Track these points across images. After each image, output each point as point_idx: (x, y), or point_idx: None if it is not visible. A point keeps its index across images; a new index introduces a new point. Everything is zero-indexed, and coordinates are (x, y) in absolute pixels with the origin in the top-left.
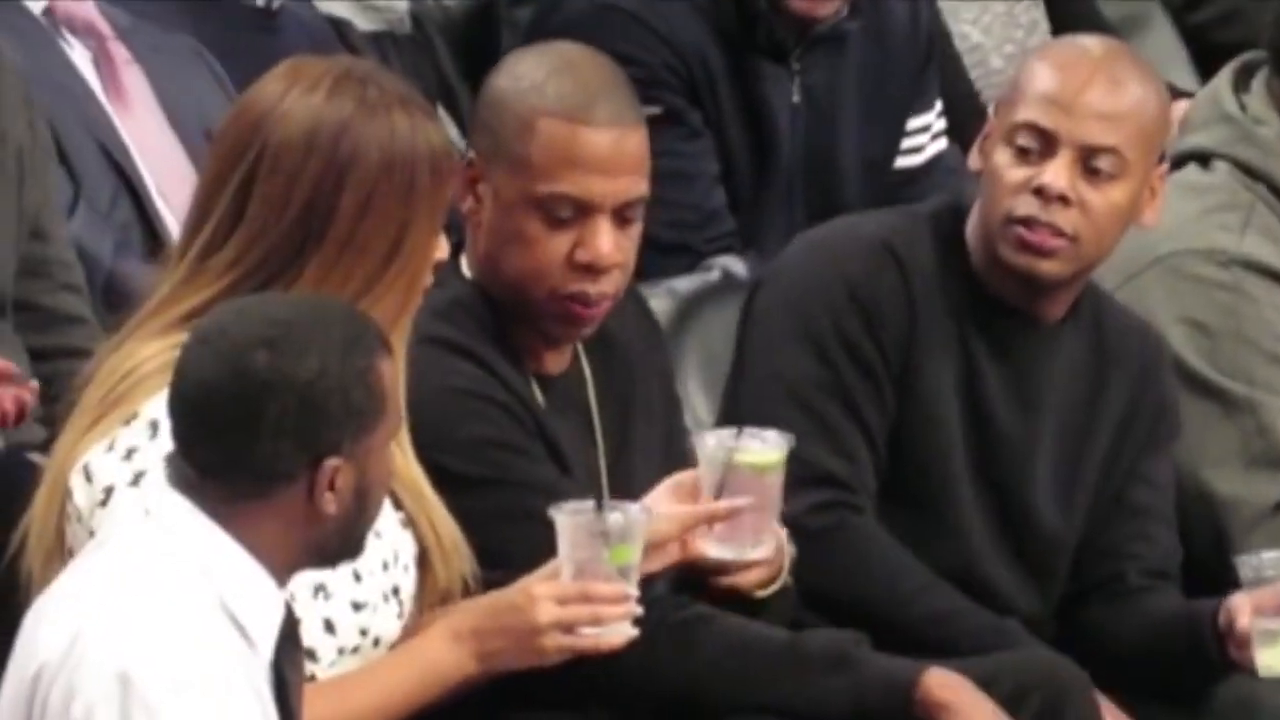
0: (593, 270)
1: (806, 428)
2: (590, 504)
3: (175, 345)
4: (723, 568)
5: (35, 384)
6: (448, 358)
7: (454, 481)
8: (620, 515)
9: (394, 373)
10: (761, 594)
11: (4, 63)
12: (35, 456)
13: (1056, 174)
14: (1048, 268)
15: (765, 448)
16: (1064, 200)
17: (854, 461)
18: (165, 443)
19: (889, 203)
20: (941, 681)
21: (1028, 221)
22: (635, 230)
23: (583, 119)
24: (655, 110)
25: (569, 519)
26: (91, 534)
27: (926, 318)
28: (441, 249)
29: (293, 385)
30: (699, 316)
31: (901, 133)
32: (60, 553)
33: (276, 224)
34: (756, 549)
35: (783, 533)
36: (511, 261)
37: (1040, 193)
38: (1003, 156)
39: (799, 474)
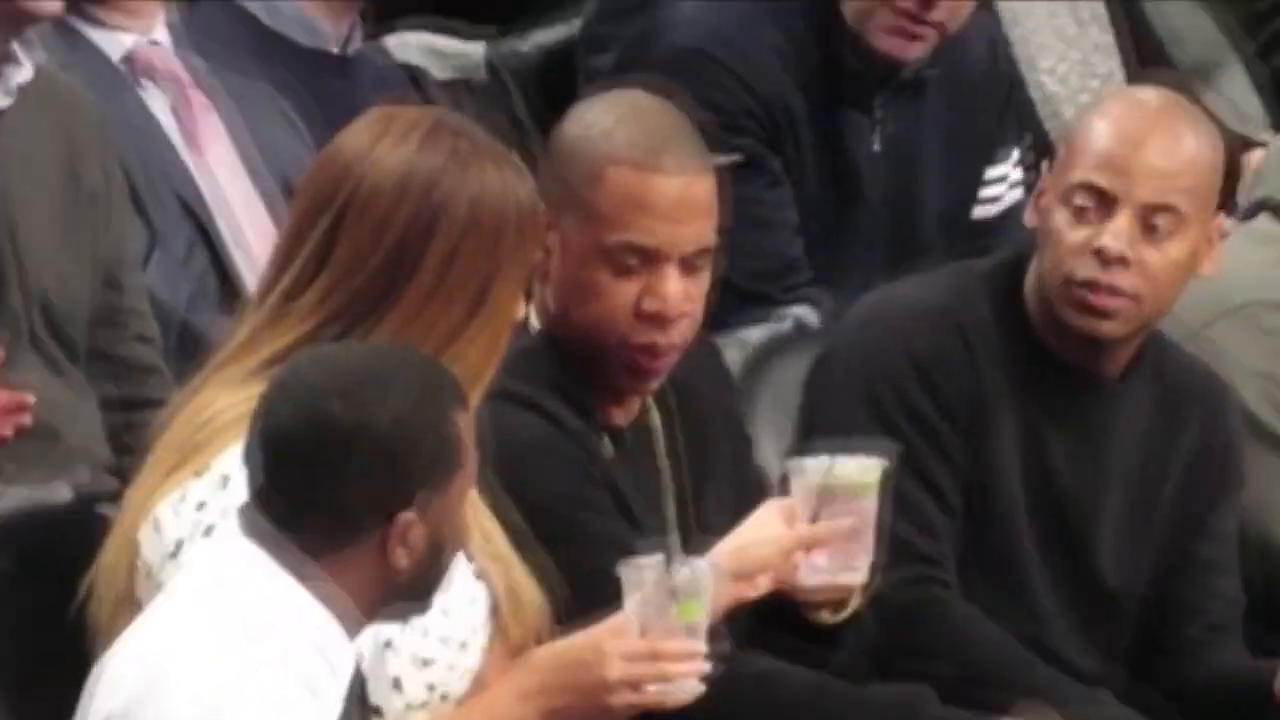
0: (660, 320)
1: (888, 506)
2: (658, 559)
3: (253, 397)
4: (815, 594)
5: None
6: (515, 412)
7: (522, 540)
8: (689, 571)
9: (470, 425)
10: (833, 619)
11: (82, 104)
12: (105, 508)
13: (1116, 236)
14: (1109, 328)
15: (862, 468)
16: (1123, 261)
17: (935, 536)
18: (235, 496)
19: (966, 253)
20: None
21: (1089, 284)
22: (703, 279)
23: (651, 166)
24: (735, 156)
25: (637, 574)
26: (161, 588)
27: (989, 381)
28: (524, 308)
29: (368, 435)
30: (769, 366)
31: (980, 182)
32: (129, 606)
33: (362, 270)
34: (853, 574)
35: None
36: (580, 312)
37: (1100, 254)
38: (1061, 217)
39: (882, 552)
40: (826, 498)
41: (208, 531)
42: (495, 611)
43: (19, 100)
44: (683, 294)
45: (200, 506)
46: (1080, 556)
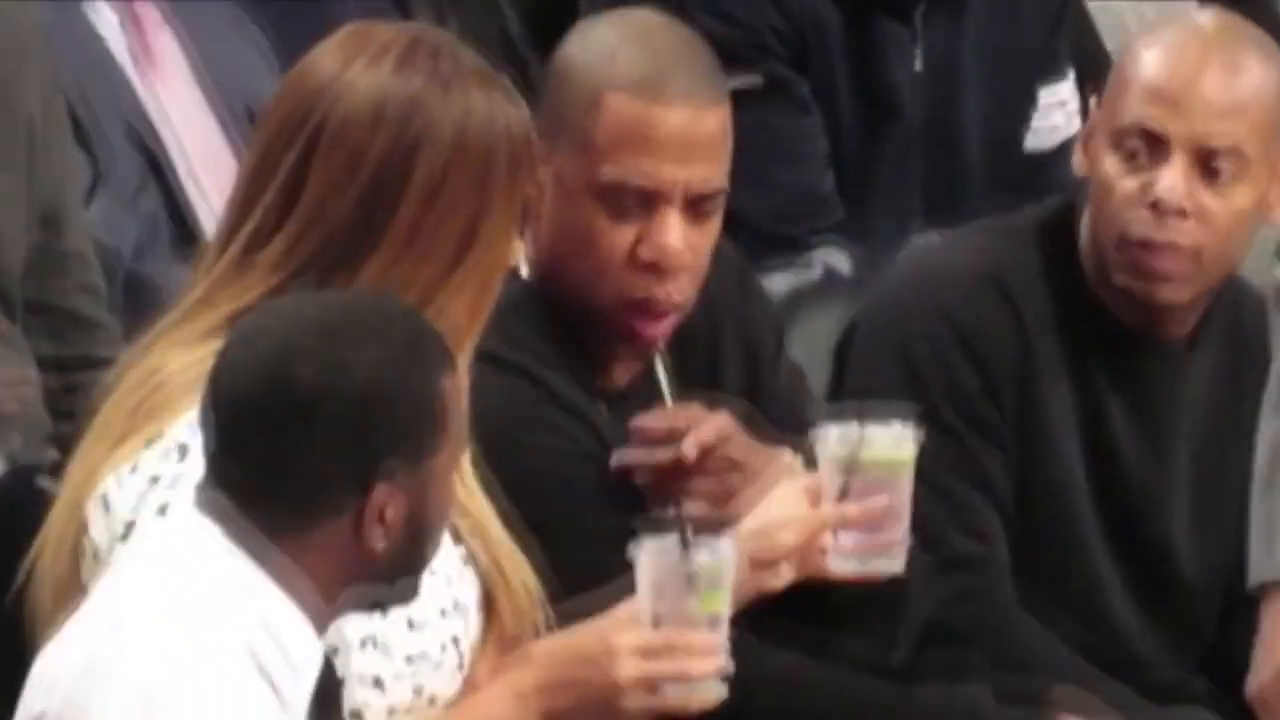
0: (657, 271)
1: (929, 507)
2: (674, 540)
3: (212, 355)
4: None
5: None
6: (494, 375)
7: (510, 523)
8: (710, 554)
9: (457, 388)
10: None
11: (15, 20)
12: (45, 482)
13: (1172, 184)
14: (1168, 293)
15: (897, 439)
16: (1181, 213)
17: (986, 538)
18: (196, 469)
19: (1017, 190)
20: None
21: (1144, 244)
22: (711, 227)
23: (654, 95)
24: (756, 80)
25: (652, 559)
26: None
27: (1042, 352)
28: (517, 252)
29: (341, 398)
30: (797, 319)
31: (1031, 103)
32: (73, 592)
33: (334, 212)
34: (888, 560)
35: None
36: (570, 258)
37: (1155, 206)
38: (1110, 163)
39: (927, 559)
40: (856, 473)
41: (162, 510)
42: (487, 602)
43: None
44: (685, 243)
45: (153, 480)
46: (1152, 541)
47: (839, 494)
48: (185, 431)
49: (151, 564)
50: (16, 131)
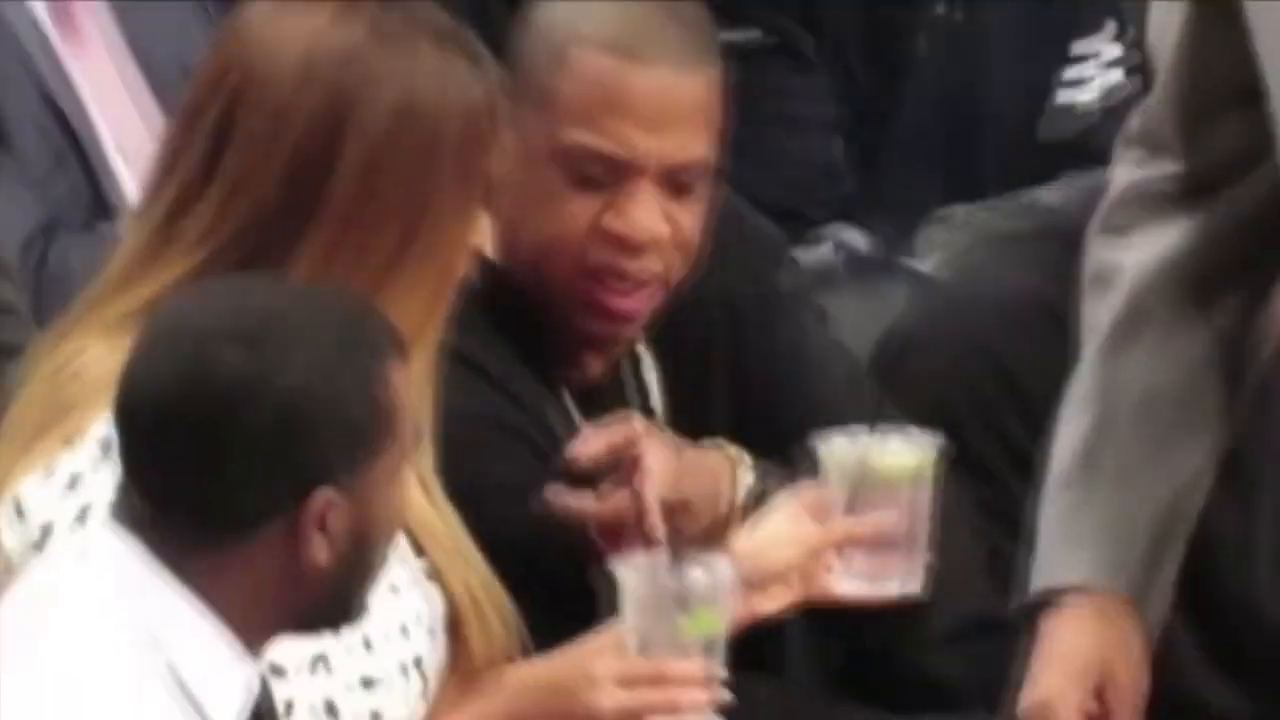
0: (627, 245)
1: (969, 559)
2: (662, 557)
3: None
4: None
5: None
6: (446, 370)
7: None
8: (702, 571)
9: (406, 381)
10: None
11: None
12: None
13: None
14: None
15: (913, 448)
16: None
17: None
18: (117, 469)
19: (1045, 153)
20: None
21: None
22: (694, 203)
23: (627, 53)
24: (755, 35)
25: (636, 576)
26: None
27: None
28: (485, 235)
29: (273, 394)
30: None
31: (1064, 57)
32: None
33: (260, 178)
34: (902, 582)
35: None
36: (531, 230)
37: None
38: None
39: (958, 619)
40: (866, 486)
41: (83, 514)
42: (454, 621)
43: None
44: (658, 216)
45: (73, 482)
46: (1232, 595)
47: (846, 508)
48: (107, 427)
49: (61, 581)
50: None
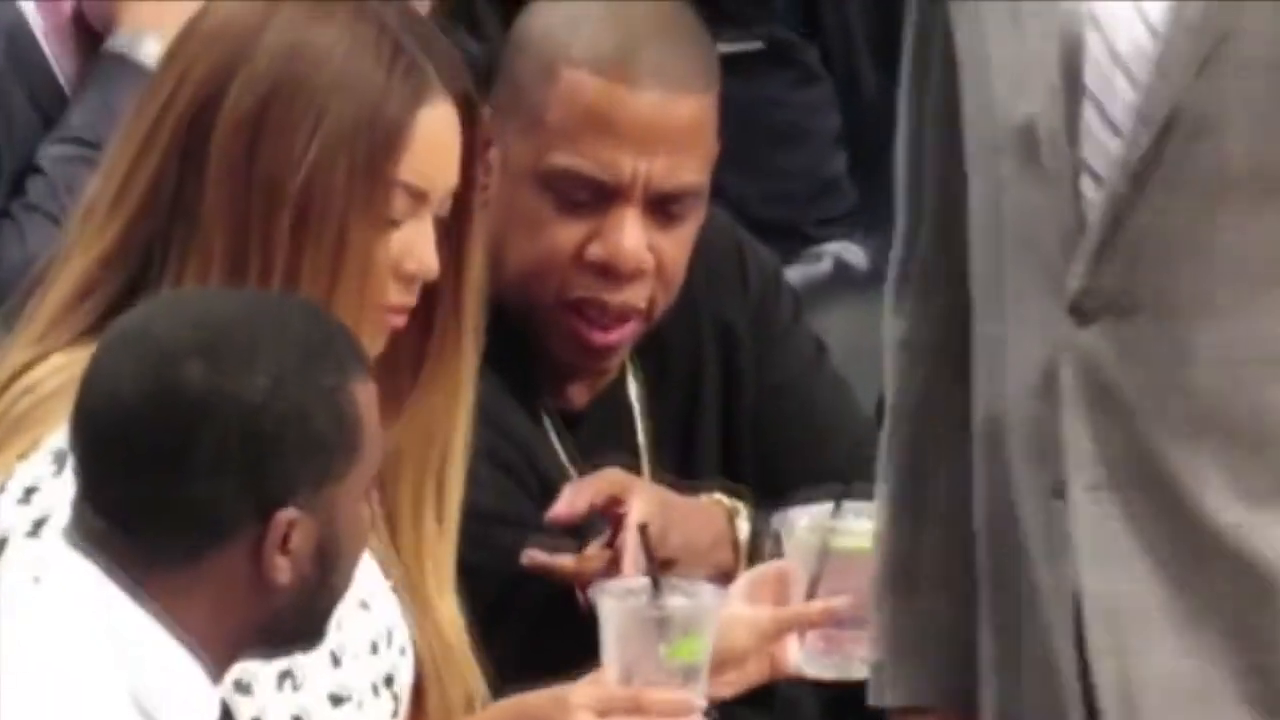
0: (610, 274)
1: None
2: (642, 582)
3: (78, 359)
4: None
5: None
6: None
7: None
8: (684, 598)
9: (372, 398)
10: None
11: None
12: None
13: None
14: None
15: (871, 528)
16: None
17: None
18: (72, 481)
19: None
20: None
21: None
22: (684, 232)
23: (617, 73)
24: (755, 45)
25: (616, 603)
26: None
27: None
28: (421, 261)
29: (235, 405)
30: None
31: None
32: None
33: (153, 139)
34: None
35: None
36: (513, 254)
37: None
38: None
39: None
40: (829, 565)
41: (38, 527)
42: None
43: None
44: (643, 244)
45: (28, 494)
46: None
47: (808, 587)
48: (62, 439)
49: (17, 605)
50: None
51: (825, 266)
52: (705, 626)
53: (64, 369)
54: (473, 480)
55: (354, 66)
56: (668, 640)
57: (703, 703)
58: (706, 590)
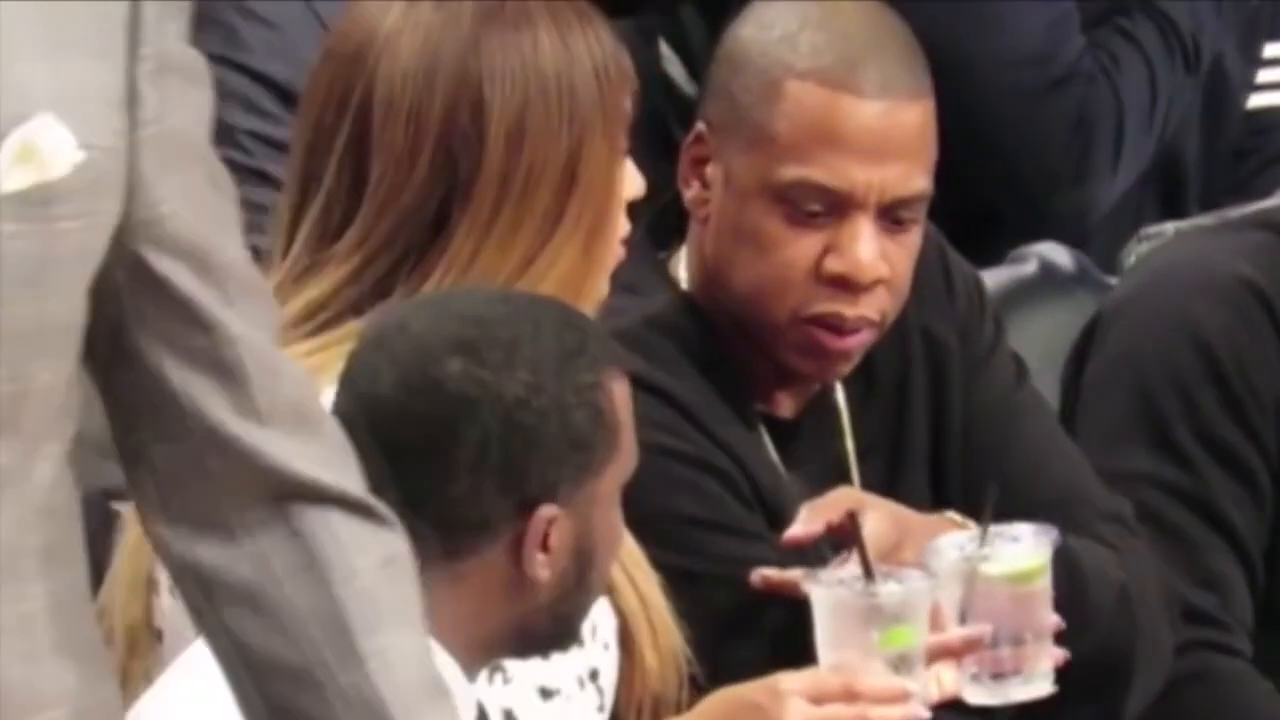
0: (848, 286)
1: (1158, 548)
2: (854, 571)
3: (296, 357)
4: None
5: None
6: (638, 401)
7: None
8: (897, 585)
9: (625, 394)
10: None
11: None
12: (122, 506)
13: None
14: None
15: (1022, 552)
16: None
17: (1223, 590)
18: None
19: (1238, 157)
20: None
21: None
22: (912, 239)
23: (844, 83)
24: None
25: (828, 592)
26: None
27: None
28: (636, 183)
29: (497, 403)
30: (1011, 321)
31: (1255, 61)
32: (146, 640)
33: (408, 185)
34: (1027, 686)
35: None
36: (742, 271)
37: None
38: None
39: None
40: (980, 593)
41: None
42: (625, 634)
43: None
44: (878, 253)
45: None
46: None
47: (959, 613)
48: None
49: None
50: None
51: (1031, 268)
52: (918, 614)
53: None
54: (686, 486)
55: (570, 37)
56: (880, 628)
57: (916, 688)
58: (918, 577)
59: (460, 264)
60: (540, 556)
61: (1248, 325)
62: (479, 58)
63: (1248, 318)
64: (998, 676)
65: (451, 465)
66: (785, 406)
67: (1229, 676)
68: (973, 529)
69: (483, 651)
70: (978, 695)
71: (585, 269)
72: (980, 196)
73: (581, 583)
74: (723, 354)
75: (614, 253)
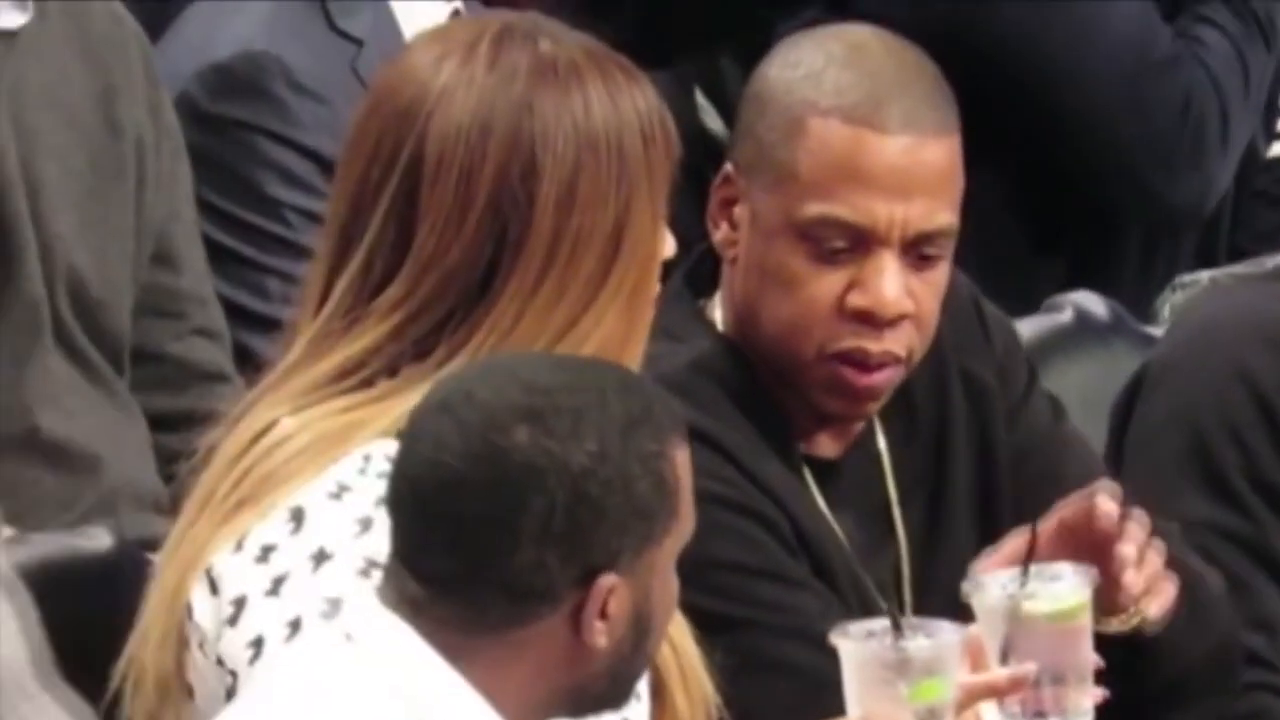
0: (870, 320)
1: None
2: (883, 624)
3: (331, 413)
4: None
5: None
6: None
7: (685, 616)
8: (926, 639)
9: (686, 460)
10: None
11: (124, 24)
12: (158, 558)
13: None
14: None
15: (1063, 590)
16: None
17: (1275, 632)
18: (313, 538)
19: (1264, 201)
20: None
21: None
22: (938, 275)
23: (868, 120)
24: None
25: (856, 646)
26: (220, 664)
27: None
28: (670, 243)
29: (564, 474)
30: (1047, 369)
31: (1275, 111)
32: (176, 693)
33: (454, 243)
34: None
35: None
36: (770, 308)
37: None
38: None
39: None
40: (1020, 631)
41: (277, 585)
42: (658, 685)
43: (38, 18)
44: (902, 289)
45: (265, 553)
46: None
47: (1000, 653)
48: (305, 496)
49: (318, 667)
50: (126, 152)
51: (1067, 316)
52: (947, 666)
53: (308, 427)
54: (729, 532)
55: (619, 96)
56: (909, 681)
57: None
58: (947, 629)
59: (504, 326)
60: (599, 624)
61: None
62: (533, 118)
63: None
64: (1039, 715)
65: (516, 534)
66: (828, 447)
67: None
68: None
69: (537, 715)
70: None
71: (626, 331)
72: (1104, 197)
73: (638, 648)
74: (764, 396)
75: (651, 314)
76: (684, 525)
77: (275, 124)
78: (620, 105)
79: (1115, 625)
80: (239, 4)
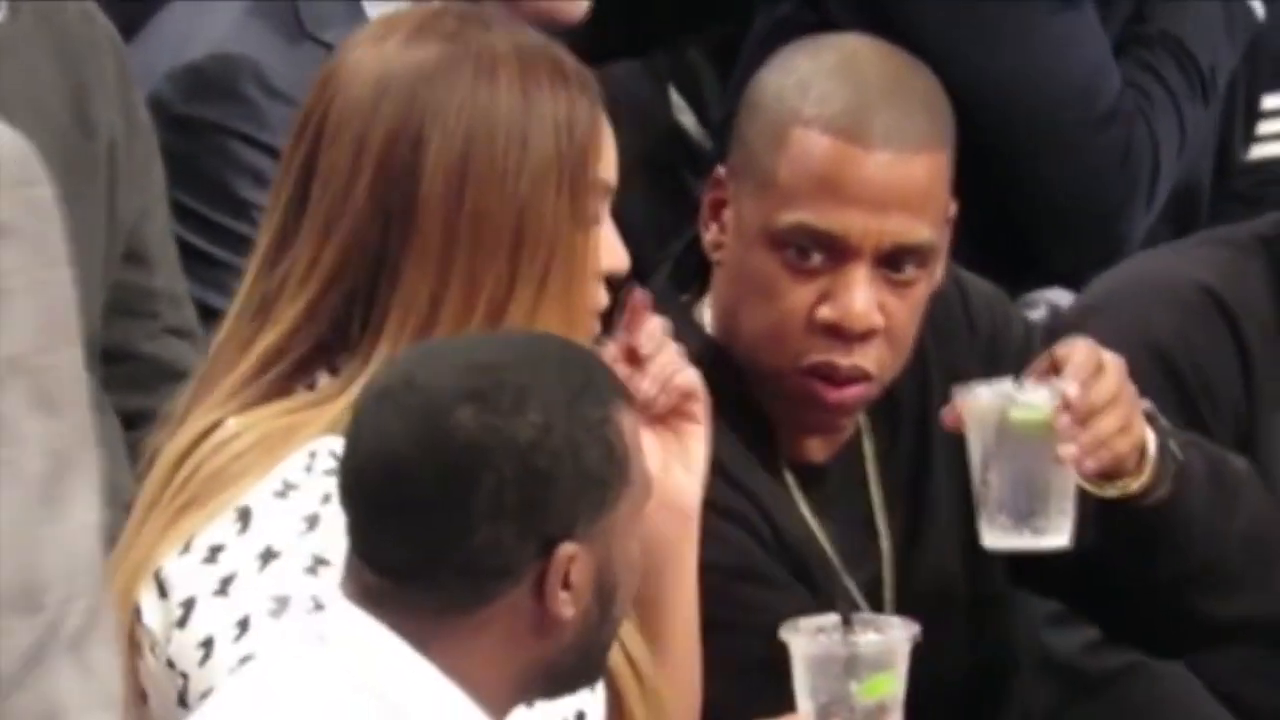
0: (840, 335)
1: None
2: (833, 619)
3: (275, 414)
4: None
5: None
6: None
7: None
8: (875, 635)
9: (634, 425)
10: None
11: (97, 23)
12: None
13: None
14: None
15: (1052, 400)
16: None
17: None
18: (260, 537)
19: (1240, 205)
20: None
21: None
22: (915, 292)
23: (850, 133)
24: None
25: (806, 641)
26: (171, 666)
27: (1265, 379)
28: (616, 256)
29: (512, 449)
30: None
31: (1255, 114)
32: (132, 694)
33: (347, 202)
34: (1046, 535)
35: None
36: (748, 317)
37: None
38: None
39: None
40: (1007, 438)
41: (224, 585)
42: (612, 683)
43: (11, 17)
44: (873, 305)
45: (213, 554)
46: None
47: (984, 460)
48: (251, 496)
49: (286, 665)
50: (98, 152)
51: (1040, 313)
52: (897, 663)
53: (255, 427)
54: (710, 535)
55: (534, 91)
56: (859, 678)
57: None
58: (897, 625)
59: (419, 310)
60: (564, 594)
61: (1205, 329)
62: (430, 90)
63: (1205, 323)
64: (1018, 521)
65: (469, 514)
66: (816, 452)
67: (1162, 670)
68: (1161, 420)
69: (512, 694)
70: (995, 539)
71: (564, 334)
72: (1028, 232)
73: (605, 616)
74: (749, 400)
75: (586, 327)
76: (638, 489)
77: (247, 126)
78: (533, 100)
79: (1111, 490)
80: (212, 5)
